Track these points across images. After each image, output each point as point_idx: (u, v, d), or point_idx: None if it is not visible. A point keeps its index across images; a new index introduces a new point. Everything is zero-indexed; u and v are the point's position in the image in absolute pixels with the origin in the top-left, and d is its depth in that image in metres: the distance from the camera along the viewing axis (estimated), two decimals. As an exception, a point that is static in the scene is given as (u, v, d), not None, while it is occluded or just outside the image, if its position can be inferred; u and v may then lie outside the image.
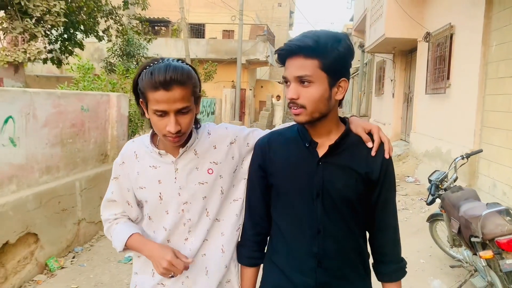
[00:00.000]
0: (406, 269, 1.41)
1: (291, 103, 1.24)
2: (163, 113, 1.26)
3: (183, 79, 1.26)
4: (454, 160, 3.84)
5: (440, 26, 8.18)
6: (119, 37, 13.40)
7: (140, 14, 14.41)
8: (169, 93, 1.24)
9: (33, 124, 3.63)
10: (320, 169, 1.29)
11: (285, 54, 1.24)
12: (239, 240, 1.49)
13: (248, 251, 1.46)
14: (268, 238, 1.46)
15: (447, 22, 7.78)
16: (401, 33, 9.69)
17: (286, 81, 1.26)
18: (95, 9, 11.76)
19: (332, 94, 1.25)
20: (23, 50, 9.75)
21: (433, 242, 4.30)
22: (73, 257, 4.13)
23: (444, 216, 3.72)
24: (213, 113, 12.04)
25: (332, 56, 1.20)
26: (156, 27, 21.45)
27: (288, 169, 1.33)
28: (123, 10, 13.27)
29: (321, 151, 1.30)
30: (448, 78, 7.68)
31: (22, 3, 9.22)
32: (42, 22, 10.23)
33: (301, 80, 1.21)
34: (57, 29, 11.02)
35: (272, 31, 23.69)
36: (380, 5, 10.63)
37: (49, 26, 10.35)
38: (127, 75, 8.49)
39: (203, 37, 22.43)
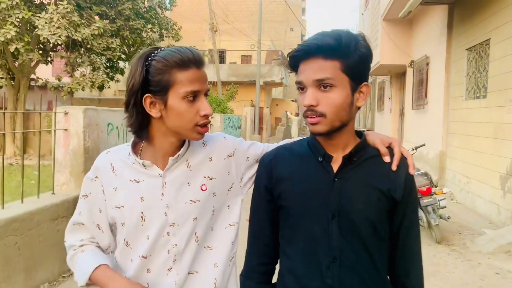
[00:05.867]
0: None
1: (308, 111, 1.08)
2: (195, 95, 1.12)
3: (204, 61, 1.16)
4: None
5: (420, 55, 10.39)
6: (156, 64, 15.75)
7: (173, 45, 17.01)
8: (200, 72, 1.14)
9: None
10: (336, 186, 1.12)
11: (301, 56, 1.09)
12: (243, 271, 1.30)
13: (254, 284, 1.27)
14: (278, 269, 1.28)
15: (424, 53, 9.99)
16: (392, 60, 11.89)
17: (301, 87, 1.11)
18: (141, 43, 14.31)
19: (354, 100, 1.10)
20: (89, 79, 12.17)
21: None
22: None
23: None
24: (239, 127, 14.36)
25: (354, 57, 1.07)
26: (183, 54, 24.12)
27: (298, 188, 1.15)
28: (159, 42, 15.88)
29: (336, 166, 1.13)
30: (426, 96, 9.84)
31: (90, 43, 11.68)
32: (102, 56, 12.72)
33: (320, 84, 1.06)
34: (101, 58, 13.40)
35: (286, 55, 26.15)
36: (376, 37, 12.90)
37: (107, 59, 12.85)
38: None
39: (224, 62, 25.05)
